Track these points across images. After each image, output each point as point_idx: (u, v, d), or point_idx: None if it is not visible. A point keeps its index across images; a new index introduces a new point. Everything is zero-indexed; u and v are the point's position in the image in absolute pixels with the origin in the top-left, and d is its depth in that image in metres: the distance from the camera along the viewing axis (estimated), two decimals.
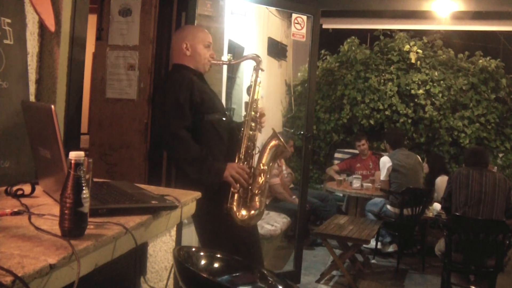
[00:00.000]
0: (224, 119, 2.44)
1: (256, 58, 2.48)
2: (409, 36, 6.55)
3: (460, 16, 6.09)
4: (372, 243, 4.77)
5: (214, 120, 2.37)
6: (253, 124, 2.40)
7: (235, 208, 2.30)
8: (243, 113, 2.47)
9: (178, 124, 2.25)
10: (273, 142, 2.42)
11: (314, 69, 4.02)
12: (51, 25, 1.89)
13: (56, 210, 1.17)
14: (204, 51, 2.45)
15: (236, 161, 2.34)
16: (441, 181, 4.90)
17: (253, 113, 2.40)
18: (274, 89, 6.27)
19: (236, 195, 2.31)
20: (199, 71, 2.47)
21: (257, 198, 2.34)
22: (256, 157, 2.41)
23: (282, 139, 2.42)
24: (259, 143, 2.46)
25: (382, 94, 6.29)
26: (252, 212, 2.33)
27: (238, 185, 2.29)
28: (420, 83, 6.22)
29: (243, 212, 2.31)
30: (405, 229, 4.67)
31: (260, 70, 2.45)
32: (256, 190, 2.34)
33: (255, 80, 2.45)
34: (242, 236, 2.36)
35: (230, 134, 2.45)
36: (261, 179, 2.35)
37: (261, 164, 2.38)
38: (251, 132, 2.39)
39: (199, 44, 2.44)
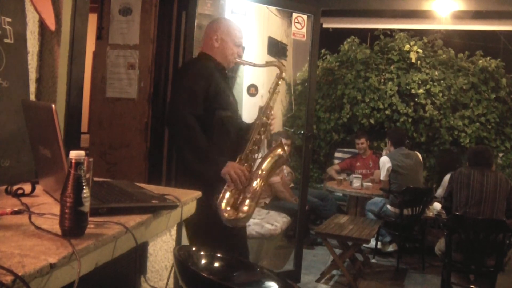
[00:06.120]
0: (235, 118, 2.44)
1: (280, 66, 2.49)
2: (409, 35, 6.55)
3: (460, 16, 6.08)
4: (372, 242, 4.77)
5: (224, 117, 2.37)
6: (262, 129, 2.39)
7: (223, 206, 2.26)
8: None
9: (188, 111, 2.24)
10: (277, 151, 2.39)
11: (314, 69, 4.02)
12: (51, 24, 1.89)
13: (56, 209, 1.17)
14: (233, 47, 2.45)
15: (237, 161, 2.32)
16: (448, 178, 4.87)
17: (264, 118, 2.39)
18: None
19: (228, 194, 2.28)
20: (222, 65, 2.47)
21: (247, 202, 2.29)
22: (257, 162, 2.38)
23: (287, 150, 2.40)
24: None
25: (382, 93, 6.29)
26: (240, 214, 2.27)
27: (232, 184, 2.26)
28: (420, 82, 6.22)
29: (231, 212, 2.27)
30: (405, 228, 4.67)
31: (281, 79, 2.45)
32: (249, 194, 2.30)
33: (275, 88, 2.45)
34: (228, 229, 2.32)
35: (238, 134, 2.44)
36: (256, 184, 2.32)
37: (260, 170, 2.35)
38: (258, 136, 2.37)
39: (229, 40, 2.45)
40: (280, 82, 2.46)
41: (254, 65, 2.58)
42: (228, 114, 2.39)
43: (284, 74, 2.47)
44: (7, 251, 0.97)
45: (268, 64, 2.57)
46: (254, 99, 5.18)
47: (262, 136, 2.40)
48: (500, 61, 6.38)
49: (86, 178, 1.11)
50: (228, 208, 2.27)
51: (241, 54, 2.51)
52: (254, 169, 2.35)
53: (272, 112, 2.42)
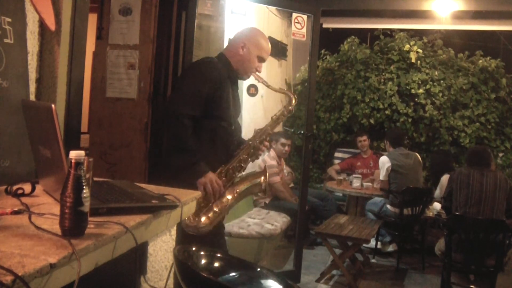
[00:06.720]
0: (228, 130, 2.43)
1: (291, 96, 2.52)
2: (409, 35, 6.55)
3: (460, 16, 6.09)
4: (372, 242, 4.77)
5: (218, 126, 2.37)
6: (251, 151, 2.38)
7: None
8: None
9: (186, 111, 2.25)
10: (259, 179, 2.38)
11: (314, 69, 4.02)
12: (51, 24, 1.89)
13: (56, 209, 1.17)
14: (255, 61, 2.46)
15: (216, 173, 2.31)
16: (446, 179, 4.88)
17: (258, 142, 2.39)
18: None
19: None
20: (236, 73, 2.47)
21: (211, 215, 2.28)
22: (236, 180, 2.38)
23: (267, 182, 2.40)
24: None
25: (382, 93, 6.29)
26: (199, 224, 2.26)
27: (205, 195, 2.24)
28: (420, 82, 6.22)
29: (191, 219, 2.25)
30: (405, 228, 4.67)
31: (289, 110, 2.48)
32: (216, 209, 2.29)
33: (279, 117, 2.46)
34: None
35: (227, 147, 2.43)
36: (226, 201, 2.31)
37: (235, 189, 2.34)
38: (245, 156, 2.37)
39: (255, 52, 2.45)
40: (286, 114, 2.47)
41: (268, 86, 2.55)
42: (222, 125, 2.38)
43: (292, 107, 2.49)
44: (7, 251, 0.97)
45: (281, 91, 2.60)
46: (254, 99, 5.19)
47: (250, 158, 2.39)
48: (500, 61, 6.38)
49: (86, 178, 1.11)
50: (191, 215, 2.24)
51: (260, 69, 2.50)
52: (231, 186, 2.34)
53: (267, 139, 2.42)
